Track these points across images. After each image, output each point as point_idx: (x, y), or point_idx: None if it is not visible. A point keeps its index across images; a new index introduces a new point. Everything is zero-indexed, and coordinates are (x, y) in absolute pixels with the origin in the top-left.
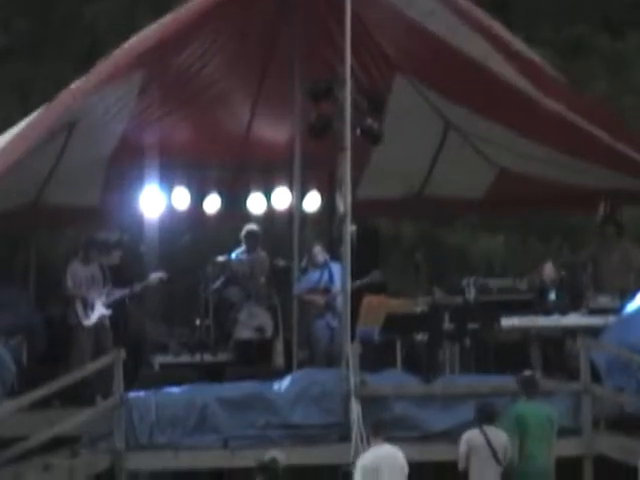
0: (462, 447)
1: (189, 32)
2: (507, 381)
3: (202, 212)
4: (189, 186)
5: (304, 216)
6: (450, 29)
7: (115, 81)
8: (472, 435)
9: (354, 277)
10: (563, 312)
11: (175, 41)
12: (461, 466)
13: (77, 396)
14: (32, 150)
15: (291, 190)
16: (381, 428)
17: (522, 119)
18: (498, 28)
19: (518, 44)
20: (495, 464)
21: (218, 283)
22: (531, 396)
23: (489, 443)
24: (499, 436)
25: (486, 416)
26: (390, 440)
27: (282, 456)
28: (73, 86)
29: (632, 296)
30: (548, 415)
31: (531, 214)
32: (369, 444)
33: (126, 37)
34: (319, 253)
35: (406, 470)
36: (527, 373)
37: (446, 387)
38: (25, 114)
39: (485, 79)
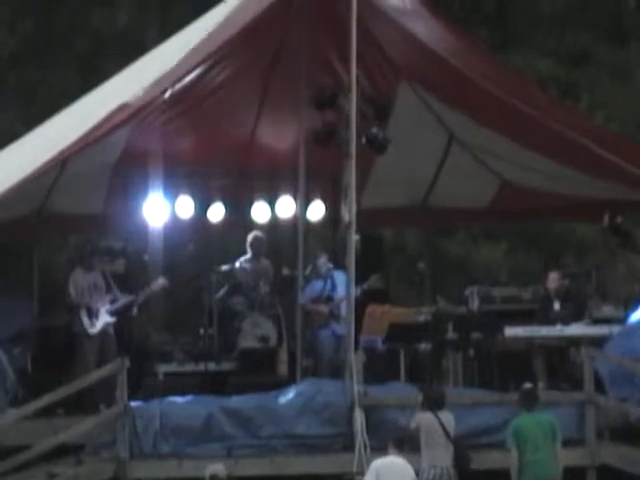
0: (413, 424)
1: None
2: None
3: (206, 221)
4: (193, 195)
5: (308, 225)
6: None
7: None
8: (426, 417)
9: (357, 285)
10: (567, 322)
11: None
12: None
13: (81, 404)
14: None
15: (295, 199)
16: (404, 443)
17: (525, 133)
18: None
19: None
20: (449, 445)
21: (222, 292)
22: (530, 409)
23: (442, 426)
24: (449, 419)
25: (436, 402)
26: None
27: (222, 470)
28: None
29: (636, 306)
30: (549, 423)
31: (533, 225)
32: (387, 453)
33: (131, 43)
34: (323, 264)
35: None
36: (527, 386)
37: (450, 396)
38: (28, 120)
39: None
